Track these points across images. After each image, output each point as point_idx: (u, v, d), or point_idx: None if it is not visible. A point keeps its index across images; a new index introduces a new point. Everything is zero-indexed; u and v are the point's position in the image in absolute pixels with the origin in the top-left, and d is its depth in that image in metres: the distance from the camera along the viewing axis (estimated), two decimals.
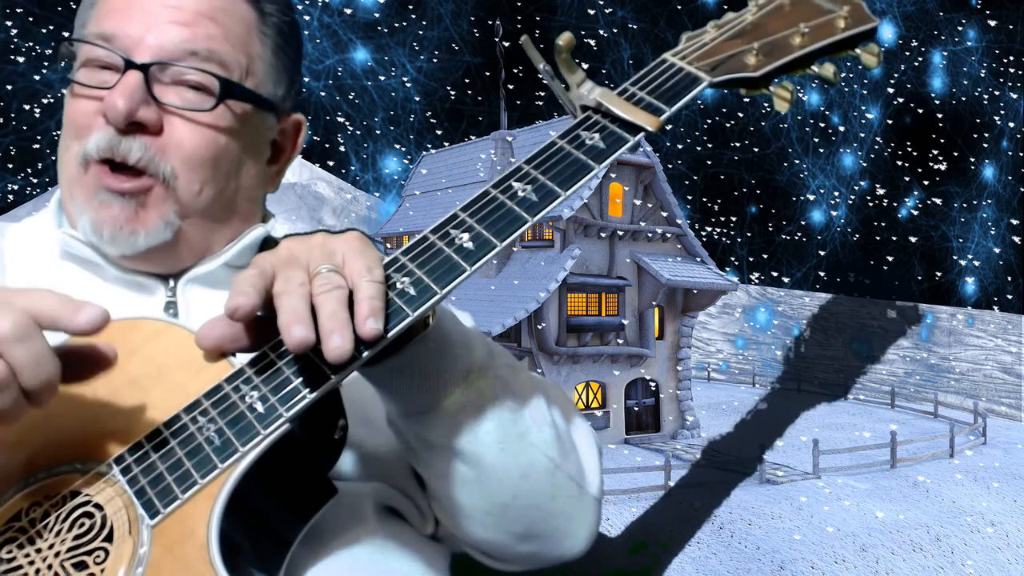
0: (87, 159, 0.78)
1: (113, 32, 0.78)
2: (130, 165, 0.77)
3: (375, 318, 0.59)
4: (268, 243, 0.88)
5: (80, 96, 0.79)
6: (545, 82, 0.76)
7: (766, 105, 0.77)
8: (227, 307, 0.59)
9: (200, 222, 0.82)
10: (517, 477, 0.74)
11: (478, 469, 0.73)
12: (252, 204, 0.88)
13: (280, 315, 0.59)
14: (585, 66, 0.73)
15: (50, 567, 0.58)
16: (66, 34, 0.81)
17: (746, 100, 0.77)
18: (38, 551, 0.58)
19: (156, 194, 0.79)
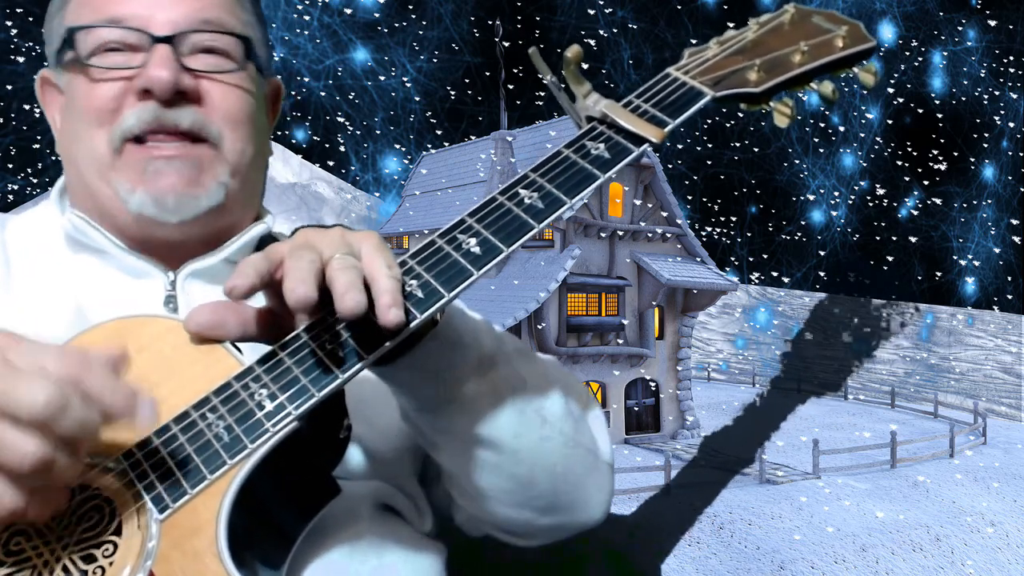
0: (125, 136, 0.79)
1: (121, 15, 0.80)
2: (180, 133, 0.79)
3: (398, 307, 0.60)
4: (267, 240, 0.89)
5: (99, 81, 0.80)
6: (552, 92, 0.77)
7: (762, 111, 0.78)
8: (225, 286, 0.59)
9: (243, 181, 0.85)
10: (536, 454, 0.76)
11: (498, 452, 0.75)
12: (265, 169, 0.92)
13: (287, 279, 0.59)
14: (585, 66, 0.75)
15: (58, 559, 0.58)
16: (71, 26, 0.81)
17: (742, 111, 0.78)
18: (46, 543, 0.58)
19: (209, 157, 0.81)
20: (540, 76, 0.77)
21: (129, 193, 0.79)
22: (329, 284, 0.60)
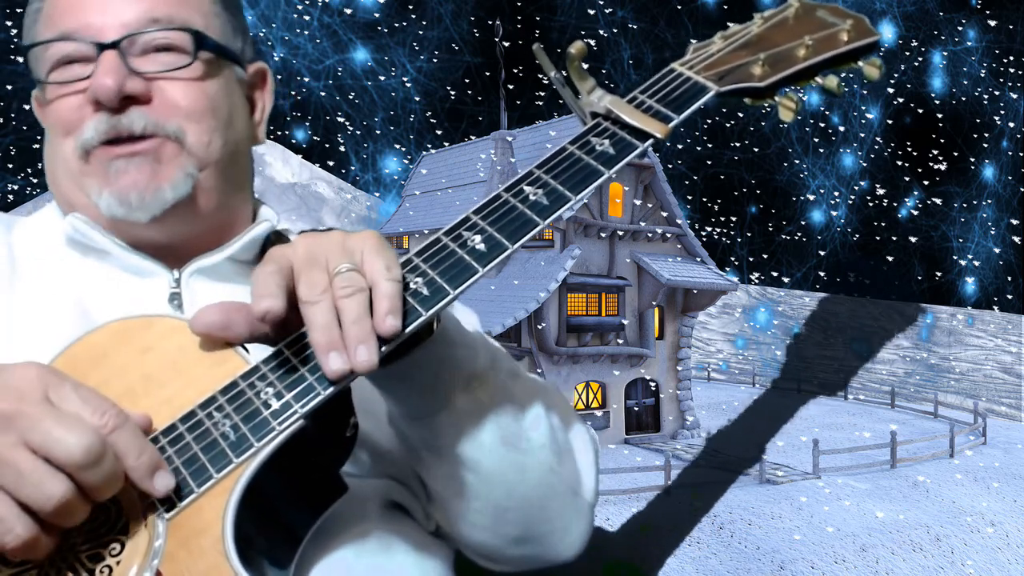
0: (87, 147, 0.79)
1: (74, 28, 0.80)
2: (136, 136, 0.79)
3: (395, 315, 0.60)
4: (273, 238, 0.89)
5: (60, 96, 0.81)
6: (556, 89, 0.77)
7: (766, 106, 0.78)
8: (257, 310, 0.60)
9: (214, 174, 0.84)
10: (514, 481, 0.76)
11: (477, 473, 0.74)
12: (248, 158, 0.91)
13: (312, 333, 0.60)
14: (585, 66, 0.75)
15: (65, 559, 0.58)
16: (24, 44, 0.82)
17: (747, 106, 0.78)
18: None
19: (169, 150, 0.81)
20: (544, 72, 0.77)
21: (98, 196, 0.80)
22: (339, 313, 0.60)
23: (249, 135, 0.90)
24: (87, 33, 0.79)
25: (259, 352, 0.64)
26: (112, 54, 0.78)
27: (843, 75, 0.77)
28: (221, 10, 0.87)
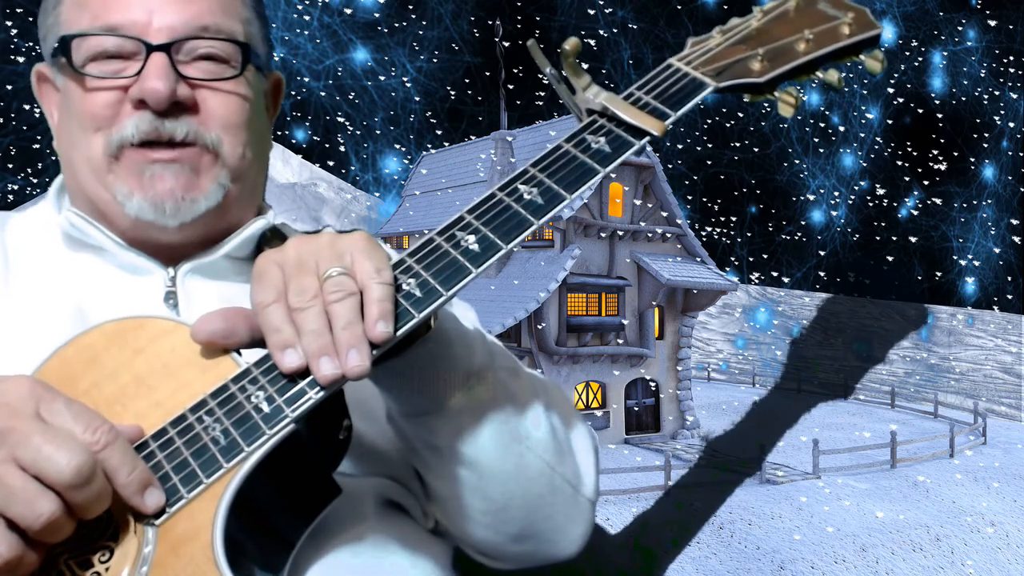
0: (122, 144, 0.78)
1: (118, 22, 0.78)
2: (176, 142, 0.79)
3: (385, 321, 0.60)
4: (269, 235, 0.89)
5: (95, 89, 0.79)
6: (551, 85, 0.76)
7: (766, 105, 0.77)
8: (285, 367, 0.60)
9: (244, 183, 0.84)
10: (513, 479, 0.76)
11: (476, 471, 0.74)
12: (267, 167, 0.92)
13: (303, 339, 0.60)
14: (585, 66, 0.74)
15: (54, 565, 0.58)
16: (65, 34, 0.80)
17: (746, 102, 0.77)
18: None
19: (206, 160, 0.80)
20: (539, 68, 0.75)
21: (127, 197, 0.79)
22: (330, 318, 0.60)
23: (268, 145, 0.91)
24: (132, 30, 0.78)
25: (251, 353, 0.64)
26: (162, 57, 0.77)
27: (844, 68, 0.76)
28: (255, 17, 0.87)
